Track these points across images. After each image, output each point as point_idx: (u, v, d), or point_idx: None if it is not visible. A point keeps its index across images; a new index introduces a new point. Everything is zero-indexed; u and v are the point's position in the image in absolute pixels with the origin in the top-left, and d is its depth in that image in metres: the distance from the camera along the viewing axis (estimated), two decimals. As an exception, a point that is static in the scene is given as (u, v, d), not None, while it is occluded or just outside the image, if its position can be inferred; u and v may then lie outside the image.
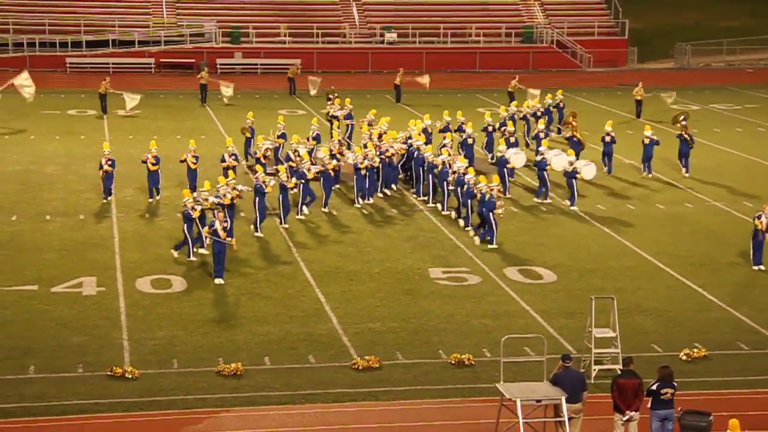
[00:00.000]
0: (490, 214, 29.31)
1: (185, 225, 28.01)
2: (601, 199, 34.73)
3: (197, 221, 28.03)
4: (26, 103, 47.69)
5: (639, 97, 49.13)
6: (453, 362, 21.98)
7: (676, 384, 18.12)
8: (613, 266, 28.41)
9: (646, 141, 37.81)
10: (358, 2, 69.09)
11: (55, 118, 48.17)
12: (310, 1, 68.81)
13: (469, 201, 30.85)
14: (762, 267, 28.07)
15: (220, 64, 61.51)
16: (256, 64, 63.38)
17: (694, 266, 28.43)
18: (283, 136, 37.79)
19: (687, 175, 37.97)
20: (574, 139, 38.92)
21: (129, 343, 22.79)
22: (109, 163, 33.09)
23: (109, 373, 21.11)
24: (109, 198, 33.37)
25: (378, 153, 34.17)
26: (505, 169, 34.58)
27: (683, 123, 39.78)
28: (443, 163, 32.96)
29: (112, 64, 61.21)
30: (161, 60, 62.84)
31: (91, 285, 26.32)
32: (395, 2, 69.88)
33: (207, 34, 64.62)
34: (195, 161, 33.75)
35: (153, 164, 33.07)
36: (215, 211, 27.35)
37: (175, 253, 28.39)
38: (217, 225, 26.35)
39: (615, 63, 67.49)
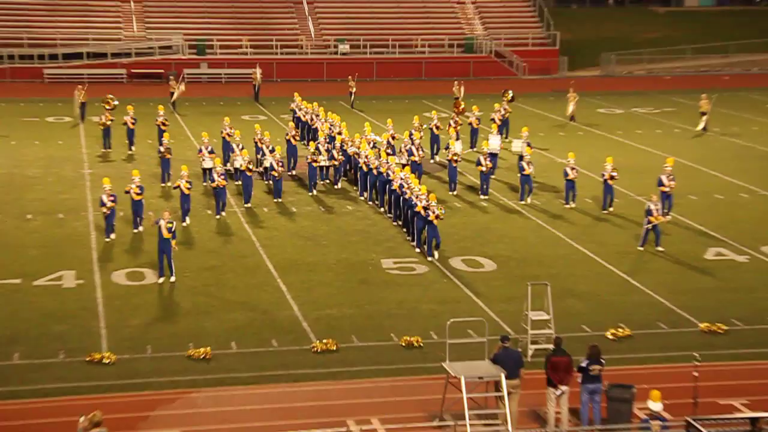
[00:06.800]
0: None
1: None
2: (535, 194, 34.99)
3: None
4: (7, 111, 46.92)
5: (572, 103, 49.41)
6: (403, 344, 22.13)
7: (603, 361, 18.43)
8: (547, 255, 28.69)
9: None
10: (313, 16, 69.00)
11: (34, 124, 47.64)
12: (269, 15, 68.70)
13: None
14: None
15: (187, 74, 61.09)
16: (221, 74, 63.12)
17: (620, 254, 28.80)
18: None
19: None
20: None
21: (106, 331, 22.71)
22: (112, 198, 29.03)
23: (88, 359, 21.06)
24: (112, 236, 29.21)
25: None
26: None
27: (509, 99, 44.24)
28: (529, 162, 33.87)
29: (87, 74, 60.61)
30: (132, 71, 62.39)
31: (70, 278, 26.17)
32: (348, 16, 69.88)
33: (174, 47, 64.24)
34: (189, 186, 30.74)
35: (137, 194, 29.80)
36: (164, 212, 26.39)
37: None
38: (162, 224, 25.80)
39: (547, 71, 67.98)
